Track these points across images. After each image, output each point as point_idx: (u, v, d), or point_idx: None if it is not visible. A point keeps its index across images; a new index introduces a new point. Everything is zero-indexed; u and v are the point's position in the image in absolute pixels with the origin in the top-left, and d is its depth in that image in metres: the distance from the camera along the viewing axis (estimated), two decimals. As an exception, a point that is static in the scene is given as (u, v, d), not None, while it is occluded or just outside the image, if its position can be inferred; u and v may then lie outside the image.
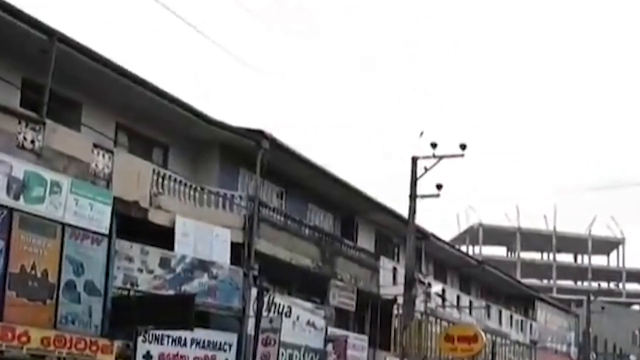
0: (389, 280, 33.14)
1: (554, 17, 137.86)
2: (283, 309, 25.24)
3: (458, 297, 41.49)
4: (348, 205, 32.50)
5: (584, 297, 68.07)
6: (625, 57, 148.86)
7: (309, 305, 27.10)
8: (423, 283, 35.20)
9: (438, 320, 37.12)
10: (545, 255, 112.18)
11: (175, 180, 22.27)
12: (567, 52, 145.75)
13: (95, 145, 19.50)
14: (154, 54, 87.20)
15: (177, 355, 21.22)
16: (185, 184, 22.66)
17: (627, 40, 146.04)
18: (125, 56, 21.72)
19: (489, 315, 44.78)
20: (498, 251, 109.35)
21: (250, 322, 23.10)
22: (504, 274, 50.36)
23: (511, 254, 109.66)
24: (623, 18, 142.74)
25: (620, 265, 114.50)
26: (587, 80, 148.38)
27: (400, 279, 30.93)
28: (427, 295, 35.89)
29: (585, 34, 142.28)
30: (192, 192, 22.84)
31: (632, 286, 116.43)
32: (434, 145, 27.80)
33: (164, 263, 21.17)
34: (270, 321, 23.49)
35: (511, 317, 48.82)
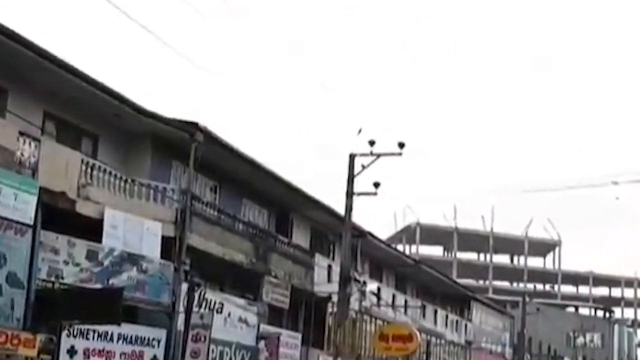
0: (324, 278, 33.14)
1: (494, 17, 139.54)
2: (214, 305, 25.06)
3: (393, 296, 41.64)
4: (283, 201, 32.39)
5: (520, 298, 68.97)
6: (566, 60, 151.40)
7: (241, 301, 26.96)
8: (358, 281, 35.22)
9: (373, 319, 37.24)
10: (481, 255, 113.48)
11: (104, 171, 21.95)
12: (507, 51, 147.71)
13: (21, 133, 19.12)
14: (105, 55, 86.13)
15: (103, 350, 20.91)
16: (115, 175, 22.35)
17: (568, 45, 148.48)
18: (74, 55, 21.37)
19: (424, 315, 45.05)
20: (435, 251, 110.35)
21: (180, 318, 22.89)
22: (440, 273, 50.72)
23: (448, 253, 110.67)
24: (576, 27, 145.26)
25: (556, 267, 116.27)
26: (523, 83, 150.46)
27: (335, 276, 30.95)
28: (362, 293, 35.93)
29: (527, 34, 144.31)
30: (122, 184, 22.55)
31: (567, 288, 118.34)
32: (372, 143, 27.85)
33: (92, 256, 20.85)
34: (201, 317, 23.31)
35: (446, 317, 49.19)
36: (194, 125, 24.79)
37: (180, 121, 24.69)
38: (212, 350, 24.24)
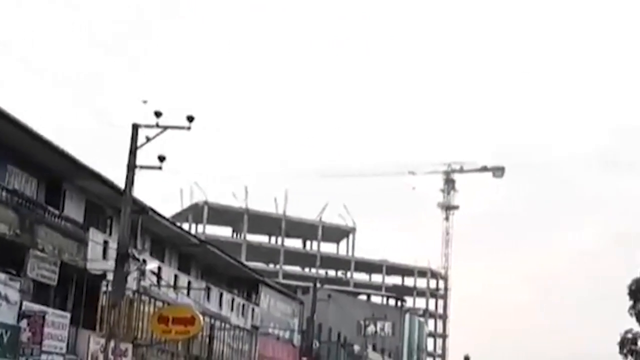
0: (99, 254, 32.44)
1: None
2: (-31, 279, 23.89)
3: (176, 277, 41.25)
4: (55, 170, 31.34)
5: (311, 284, 70.20)
6: (369, 51, 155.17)
7: (1, 276, 25.85)
8: (137, 259, 34.61)
9: (152, 300, 36.77)
10: (273, 239, 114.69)
11: None
12: (304, 33, 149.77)
13: None
14: None
15: None
16: None
17: (370, 33, 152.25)
18: None
19: (208, 298, 44.87)
20: (223, 231, 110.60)
21: None
22: (227, 255, 50.69)
23: (237, 235, 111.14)
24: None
25: (350, 254, 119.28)
26: (325, 67, 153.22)
27: (112, 253, 30.28)
28: (141, 272, 35.35)
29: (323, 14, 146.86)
30: None
31: (360, 276, 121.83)
32: (158, 114, 27.45)
33: None
34: (-48, 292, 22.15)
35: (233, 300, 49.24)
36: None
37: None
38: (-34, 329, 23.10)
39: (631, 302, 68.75)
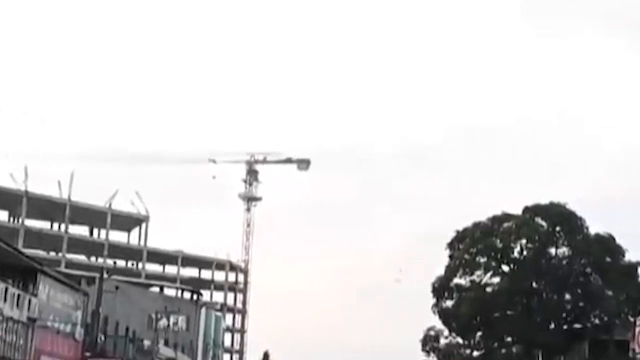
0: None
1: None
2: None
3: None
4: None
5: (97, 274, 68.77)
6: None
7: None
8: None
9: None
10: (56, 225, 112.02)
11: None
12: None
13: None
14: None
15: None
16: None
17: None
18: None
19: (-21, 287, 42.98)
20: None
21: None
22: (2, 241, 49.10)
23: (15, 220, 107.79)
24: None
25: (142, 243, 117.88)
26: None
27: None
28: None
29: None
30: None
31: (152, 267, 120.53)
32: None
33: None
34: None
35: (6, 290, 47.76)
36: None
37: None
38: None
39: (434, 300, 71.27)
